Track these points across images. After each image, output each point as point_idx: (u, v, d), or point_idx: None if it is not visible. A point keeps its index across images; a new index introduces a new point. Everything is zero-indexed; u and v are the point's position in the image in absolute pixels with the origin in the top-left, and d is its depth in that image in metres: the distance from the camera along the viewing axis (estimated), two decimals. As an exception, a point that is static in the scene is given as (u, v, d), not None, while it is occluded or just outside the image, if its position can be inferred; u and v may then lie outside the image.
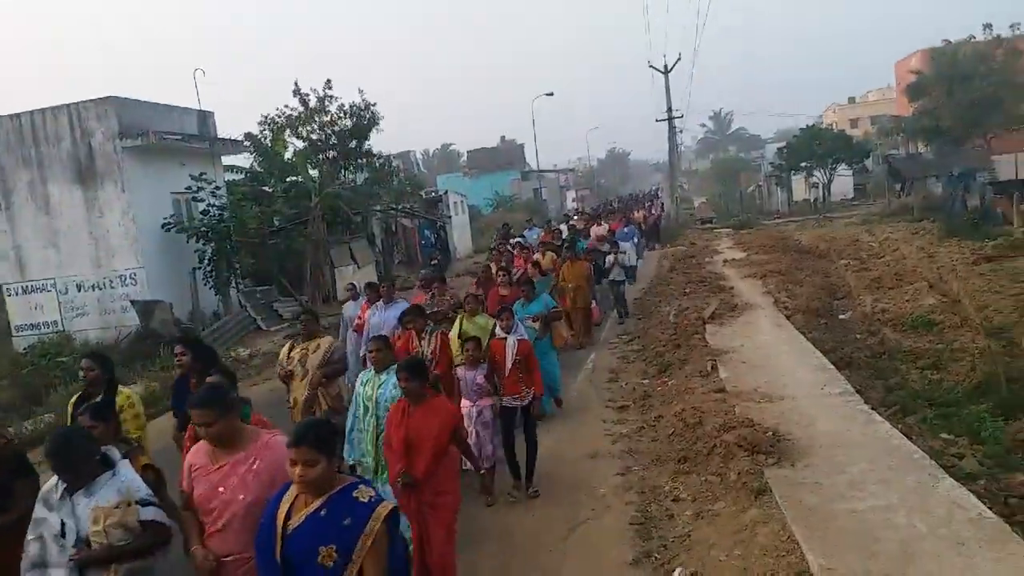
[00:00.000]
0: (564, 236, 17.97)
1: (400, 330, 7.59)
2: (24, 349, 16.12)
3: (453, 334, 7.95)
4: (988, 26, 39.39)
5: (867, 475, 5.82)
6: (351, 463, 5.75)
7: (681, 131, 49.91)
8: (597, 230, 19.91)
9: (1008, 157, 32.06)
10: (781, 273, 16.93)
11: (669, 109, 41.06)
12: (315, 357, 6.94)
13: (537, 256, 13.86)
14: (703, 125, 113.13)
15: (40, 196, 17.29)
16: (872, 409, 7.46)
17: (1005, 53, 37.41)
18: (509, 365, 6.74)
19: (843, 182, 42.97)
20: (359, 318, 9.77)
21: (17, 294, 17.70)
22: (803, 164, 40.06)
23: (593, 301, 13.21)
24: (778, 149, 44.73)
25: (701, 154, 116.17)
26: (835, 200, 41.27)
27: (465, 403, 6.59)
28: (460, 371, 6.72)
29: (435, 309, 9.12)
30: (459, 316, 8.42)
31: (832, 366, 9.19)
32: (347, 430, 5.75)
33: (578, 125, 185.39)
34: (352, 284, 11.81)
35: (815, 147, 38.95)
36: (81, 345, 15.74)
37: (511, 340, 6.87)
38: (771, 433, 6.73)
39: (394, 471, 4.77)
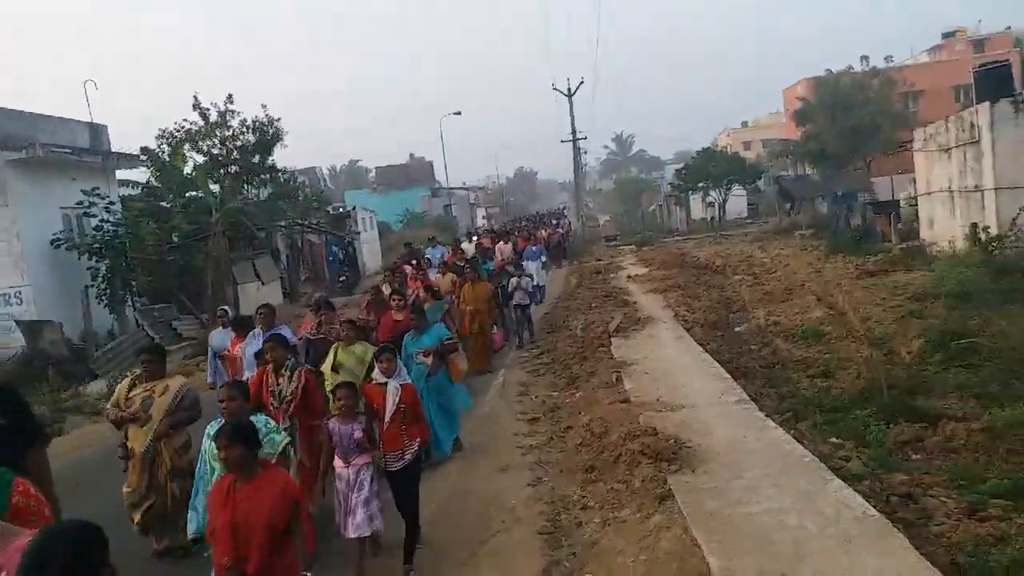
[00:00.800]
0: (471, 255, 17.08)
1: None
2: None
3: (327, 367, 7.32)
4: (865, 58, 42.43)
5: (762, 479, 6.14)
6: (193, 537, 5.32)
7: (585, 152, 51.38)
8: (504, 248, 19.69)
9: (885, 179, 34.52)
10: (681, 288, 17.59)
11: (573, 131, 42.13)
12: (162, 401, 5.90)
13: (436, 277, 13.08)
14: (606, 147, 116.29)
15: (-85, 211, 16.11)
16: (767, 416, 7.86)
17: (881, 83, 40.26)
18: (389, 416, 5.56)
19: (737, 201, 45.02)
20: (227, 350, 8.92)
21: None
22: (700, 184, 41.75)
23: (495, 326, 12.65)
24: (676, 170, 46.57)
25: (604, 174, 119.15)
26: (730, 218, 43.15)
27: (338, 463, 5.58)
28: (333, 424, 5.57)
29: (320, 336, 8.45)
30: (334, 346, 7.65)
31: (729, 376, 9.62)
32: (191, 496, 5.20)
33: (487, 143, 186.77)
34: (224, 309, 10.86)
35: (711, 168, 40.71)
36: (-41, 368, 14.67)
37: (392, 386, 5.66)
38: (673, 441, 7.01)
39: (218, 565, 3.80)
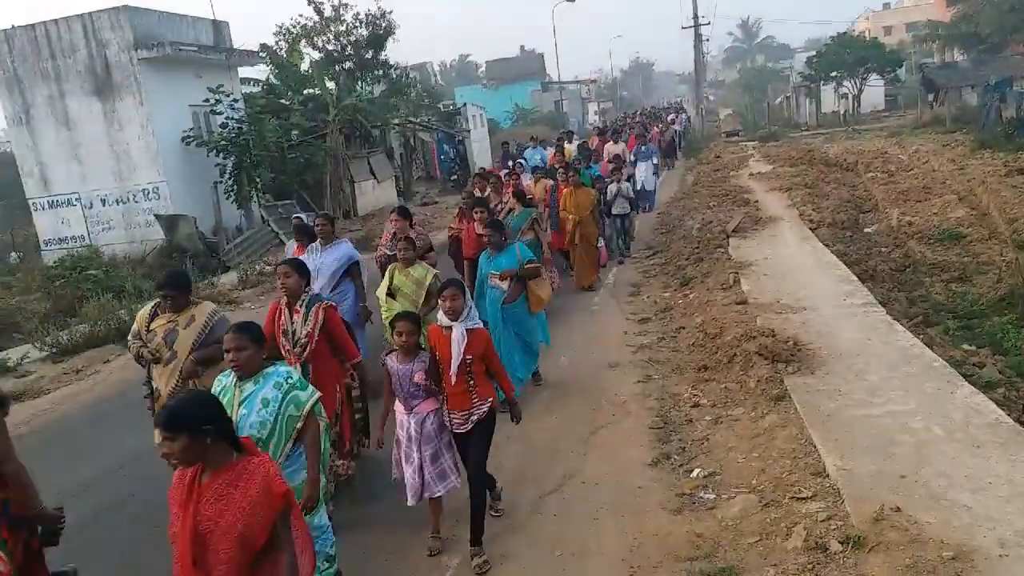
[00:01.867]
0: (575, 157, 15.30)
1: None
2: (54, 263, 16.41)
3: (382, 291, 6.58)
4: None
5: (886, 383, 5.88)
6: None
7: (707, 40, 48.44)
8: (612, 149, 16.96)
9: (1048, 65, 30.84)
10: (807, 186, 16.68)
11: (695, 16, 39.80)
12: (188, 334, 4.88)
13: (528, 182, 11.64)
14: (730, 34, 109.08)
15: (59, 110, 17.28)
16: (894, 320, 7.47)
17: (1053, -47, 35.44)
18: (454, 369, 4.48)
19: (874, 93, 41.66)
20: None
21: (44, 209, 17.94)
22: (833, 74, 38.76)
23: (600, 239, 11.24)
24: (808, 59, 43.25)
25: (728, 64, 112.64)
26: (865, 112, 40.13)
27: (399, 409, 4.67)
28: (391, 362, 4.58)
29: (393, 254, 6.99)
30: (390, 267, 6.76)
31: (856, 278, 9.15)
32: None
33: (600, 34, 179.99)
34: (298, 217, 9.95)
35: (846, 56, 37.61)
36: (109, 259, 15.99)
37: (458, 331, 4.49)
38: (791, 343, 6.79)
39: None
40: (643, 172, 16.05)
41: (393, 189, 24.63)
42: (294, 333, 4.96)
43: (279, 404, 3.68)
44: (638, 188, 14.88)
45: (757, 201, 15.46)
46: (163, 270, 15.13)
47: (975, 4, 36.62)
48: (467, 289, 4.72)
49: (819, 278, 9.35)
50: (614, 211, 12.25)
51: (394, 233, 7.65)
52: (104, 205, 17.56)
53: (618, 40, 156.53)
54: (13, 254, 18.59)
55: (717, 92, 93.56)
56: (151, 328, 5.01)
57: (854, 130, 33.00)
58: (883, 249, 11.82)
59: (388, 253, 7.67)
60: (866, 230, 13.28)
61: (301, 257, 6.89)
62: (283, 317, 5.05)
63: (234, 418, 3.53)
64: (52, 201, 17.83)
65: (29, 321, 12.03)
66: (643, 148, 17.20)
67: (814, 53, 42.73)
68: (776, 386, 6.11)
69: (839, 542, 3.96)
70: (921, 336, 7.17)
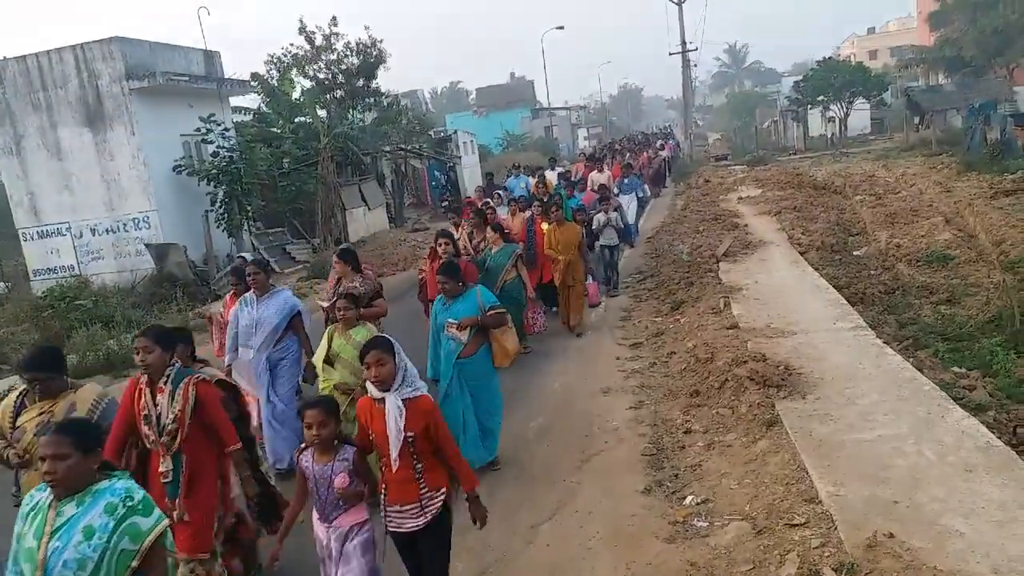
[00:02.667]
0: (556, 186, 14.02)
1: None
2: (43, 293, 16.29)
3: (318, 358, 5.67)
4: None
5: (877, 407, 5.88)
6: None
7: (695, 65, 49.05)
8: (598, 178, 15.86)
9: (1031, 88, 31.31)
10: (796, 210, 16.81)
11: (683, 42, 40.25)
12: None
13: (505, 215, 10.69)
14: (718, 59, 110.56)
15: (51, 140, 17.29)
16: (884, 343, 7.49)
17: (1031, -22, 36.14)
18: (395, 453, 3.58)
19: (860, 116, 42.17)
20: (221, 315, 6.99)
21: (33, 239, 17.87)
22: (820, 98, 39.23)
23: (589, 276, 10.62)
24: (795, 83, 43.78)
25: (716, 89, 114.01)
26: (852, 135, 40.58)
27: (318, 526, 3.79)
28: (304, 460, 3.71)
29: (336, 312, 5.73)
30: (328, 329, 5.76)
31: (845, 301, 9.20)
32: None
33: (589, 60, 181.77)
34: (242, 257, 8.92)
35: (832, 80, 38.08)
36: (98, 289, 15.90)
37: (392, 403, 3.58)
38: (782, 367, 6.80)
39: None
40: (625, 205, 14.20)
41: (384, 216, 24.68)
42: (159, 418, 4.03)
43: (109, 535, 2.66)
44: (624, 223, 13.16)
45: (747, 225, 15.56)
46: (153, 298, 15.28)
47: (958, 28, 37.24)
48: (397, 350, 3.69)
49: (809, 302, 9.39)
50: (601, 242, 11.65)
51: (338, 279, 6.85)
52: (94, 235, 17.51)
53: (607, 66, 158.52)
54: (1, 284, 18.48)
55: (705, 117, 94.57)
56: (18, 424, 4.04)
57: (841, 153, 33.36)
58: (872, 272, 11.89)
59: (325, 307, 6.72)
60: (855, 253, 13.36)
61: (233, 309, 6.39)
62: (144, 399, 4.08)
63: (41, 552, 2.64)
64: (42, 231, 17.77)
65: (17, 352, 11.93)
66: (626, 180, 16.03)
67: (801, 77, 43.25)
68: (768, 411, 6.11)
69: (832, 569, 3.94)
70: (911, 359, 7.19)
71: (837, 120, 39.97)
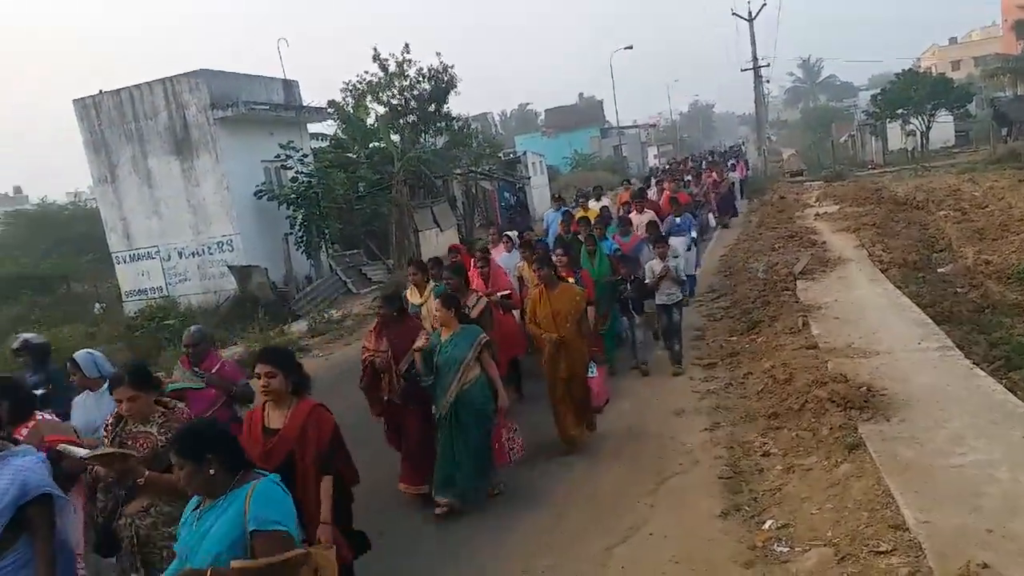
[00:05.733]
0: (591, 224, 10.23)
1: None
2: (134, 313, 17.14)
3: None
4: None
5: (968, 430, 5.64)
6: None
7: (768, 81, 48.29)
8: (638, 220, 11.56)
9: None
10: (876, 226, 16.29)
11: (755, 58, 39.59)
12: None
13: (516, 264, 8.88)
14: (791, 74, 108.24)
15: (142, 169, 18.22)
16: (974, 364, 7.18)
17: None
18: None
19: (943, 129, 40.57)
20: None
21: (126, 262, 18.82)
22: (899, 111, 37.99)
23: (592, 366, 7.08)
24: (872, 96, 42.55)
25: (790, 104, 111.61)
26: (934, 148, 39.07)
27: None
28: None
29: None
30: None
31: (930, 320, 8.85)
32: None
33: (659, 78, 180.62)
34: (26, 340, 6.46)
35: (912, 92, 36.85)
36: (185, 309, 16.63)
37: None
38: (865, 388, 6.58)
39: None
40: (679, 249, 10.41)
41: (456, 237, 24.99)
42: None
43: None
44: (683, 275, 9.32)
45: (824, 242, 15.16)
46: (236, 319, 15.85)
47: (1048, 35, 35.62)
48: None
49: (892, 321, 9.08)
50: (659, 300, 8.70)
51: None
52: (181, 257, 18.33)
53: (677, 84, 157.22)
54: (97, 305, 19.49)
55: (779, 132, 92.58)
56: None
57: (923, 167, 32.11)
58: (959, 290, 11.41)
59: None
60: (940, 270, 12.85)
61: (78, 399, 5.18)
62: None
63: None
64: (133, 254, 18.70)
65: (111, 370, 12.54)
66: (678, 220, 12.24)
67: (879, 91, 42.02)
68: (850, 434, 5.92)
69: (923, 600, 3.79)
70: (1003, 381, 6.86)
71: (918, 133, 38.61)
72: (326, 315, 15.46)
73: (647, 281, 8.66)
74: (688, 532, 5.19)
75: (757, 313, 10.67)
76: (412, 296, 7.58)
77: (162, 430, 3.94)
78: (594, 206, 14.20)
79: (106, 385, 4.75)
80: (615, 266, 8.98)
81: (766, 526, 5.06)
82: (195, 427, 3.27)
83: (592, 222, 10.48)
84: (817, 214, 19.83)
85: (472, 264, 8.49)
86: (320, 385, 4.76)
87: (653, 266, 8.67)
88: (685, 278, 9.24)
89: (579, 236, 9.63)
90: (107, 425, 4.12)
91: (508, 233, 10.67)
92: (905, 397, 6.44)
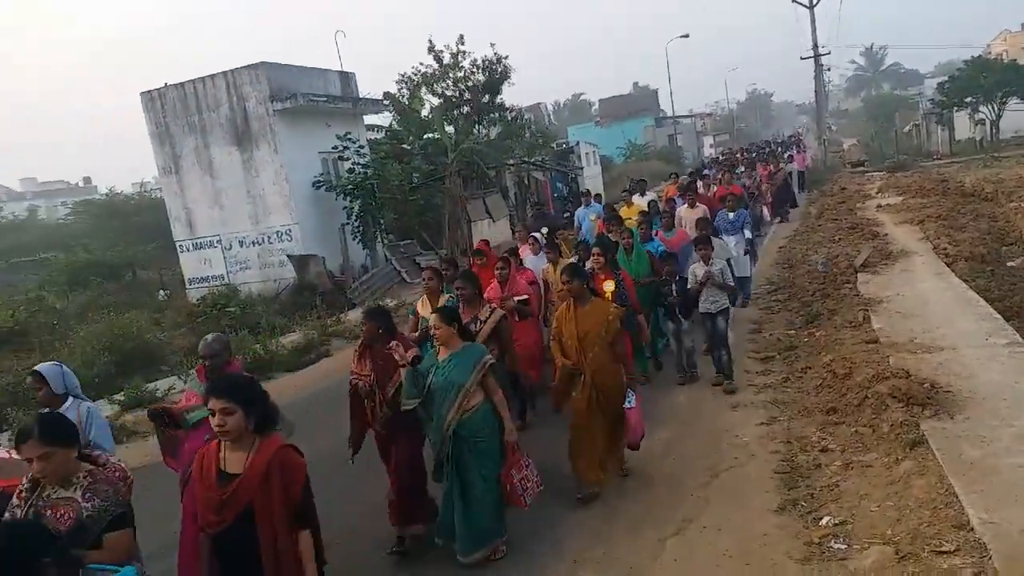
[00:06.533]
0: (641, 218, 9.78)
1: None
2: (197, 300, 17.67)
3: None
4: None
5: (1037, 429, 5.46)
6: None
7: (828, 69, 47.03)
8: (688, 215, 11.12)
9: None
10: (941, 218, 15.79)
11: (815, 46, 38.56)
12: None
13: (544, 266, 8.35)
14: (853, 61, 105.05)
15: (204, 159, 18.74)
16: (1045, 361, 6.93)
17: None
18: None
19: (1015, 117, 38.90)
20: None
21: (189, 250, 19.40)
22: (968, 99, 36.58)
23: (631, 395, 5.81)
24: (938, 84, 41.06)
25: (851, 92, 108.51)
26: (1005, 137, 37.52)
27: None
28: None
29: None
30: None
31: (999, 316, 8.56)
32: None
33: (716, 66, 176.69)
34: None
35: (982, 80, 35.43)
36: (245, 297, 17.07)
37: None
38: (928, 384, 6.42)
39: None
40: (730, 248, 10.33)
41: (508, 227, 25.09)
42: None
43: None
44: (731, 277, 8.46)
45: (887, 234, 14.77)
46: (294, 306, 16.19)
47: None
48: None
49: (957, 315, 8.81)
50: (702, 307, 7.89)
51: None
52: (241, 246, 18.81)
53: (734, 72, 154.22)
54: (161, 292, 20.15)
55: (840, 122, 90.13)
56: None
57: (993, 157, 30.91)
58: (1030, 284, 11.00)
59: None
60: (1009, 264, 12.40)
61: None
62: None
63: None
64: (196, 243, 19.26)
65: (175, 355, 12.98)
66: (730, 216, 11.15)
67: (946, 78, 40.54)
68: (912, 431, 5.78)
69: (988, 602, 3.70)
70: (1077, 379, 6.61)
71: (988, 122, 37.17)
72: (382, 303, 15.68)
73: (688, 287, 7.88)
74: (742, 526, 5.15)
75: (816, 306, 10.47)
76: (422, 308, 6.63)
77: (88, 494, 3.11)
78: (639, 201, 13.46)
79: (69, 403, 4.42)
80: (656, 266, 8.31)
81: (823, 522, 4.99)
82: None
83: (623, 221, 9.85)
84: (879, 205, 19.31)
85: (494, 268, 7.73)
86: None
87: (695, 270, 7.85)
88: (733, 282, 8.24)
89: (609, 234, 8.93)
90: (20, 491, 3.23)
91: (534, 233, 9.95)
92: (970, 394, 6.27)
